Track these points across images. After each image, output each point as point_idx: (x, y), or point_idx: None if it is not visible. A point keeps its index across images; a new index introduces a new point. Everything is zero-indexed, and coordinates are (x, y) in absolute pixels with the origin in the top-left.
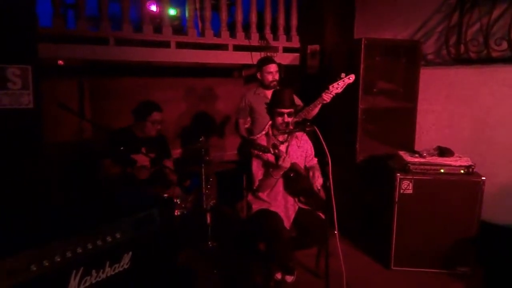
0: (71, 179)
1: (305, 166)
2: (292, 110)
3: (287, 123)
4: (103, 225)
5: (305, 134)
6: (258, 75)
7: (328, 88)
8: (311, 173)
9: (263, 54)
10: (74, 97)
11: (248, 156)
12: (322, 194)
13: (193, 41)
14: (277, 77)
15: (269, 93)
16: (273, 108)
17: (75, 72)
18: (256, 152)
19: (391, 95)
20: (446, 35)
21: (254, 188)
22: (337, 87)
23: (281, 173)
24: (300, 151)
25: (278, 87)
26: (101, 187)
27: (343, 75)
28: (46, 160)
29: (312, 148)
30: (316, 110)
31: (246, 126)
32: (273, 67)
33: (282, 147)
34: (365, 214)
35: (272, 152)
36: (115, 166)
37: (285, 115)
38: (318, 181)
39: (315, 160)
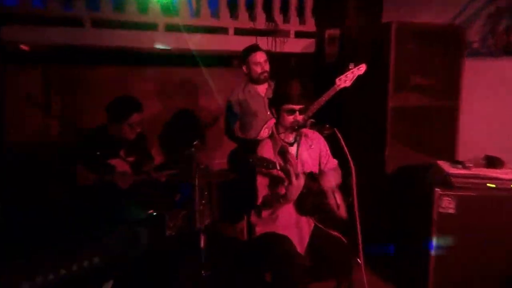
0: (37, 187)
1: (320, 171)
2: (303, 106)
3: (298, 123)
4: (79, 246)
5: (316, 131)
6: (244, 69)
7: (335, 83)
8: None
9: (270, 39)
10: (39, 89)
11: (243, 167)
12: (342, 212)
13: (186, 23)
14: (267, 67)
15: (261, 88)
16: (279, 104)
17: (42, 59)
18: (261, 169)
19: (427, 92)
20: (494, 20)
21: (258, 204)
22: (345, 80)
23: (294, 196)
24: (312, 152)
25: (270, 81)
26: (75, 199)
27: (351, 65)
28: (6, 160)
29: (327, 146)
30: (318, 107)
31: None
32: (260, 56)
33: (292, 150)
34: (396, 238)
35: (279, 168)
36: (89, 173)
37: (297, 113)
38: (327, 181)
39: (335, 161)
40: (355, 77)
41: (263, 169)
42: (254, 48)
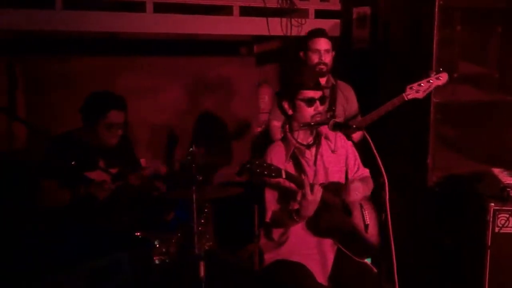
0: None
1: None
2: (322, 93)
3: (321, 116)
4: (44, 279)
5: (341, 132)
6: (301, 55)
7: (404, 91)
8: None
9: (284, 21)
10: (2, 86)
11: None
12: (372, 234)
13: (180, 1)
14: (326, 59)
15: None
16: (294, 93)
17: (3, 49)
18: (266, 179)
19: (480, 83)
20: None
21: (267, 221)
22: (417, 90)
23: (310, 211)
24: (336, 158)
25: (327, 76)
26: (40, 221)
27: (432, 73)
28: None
29: (355, 151)
30: (376, 117)
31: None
32: (322, 43)
33: (309, 154)
34: (440, 264)
35: (285, 176)
36: (60, 190)
37: (317, 102)
38: (353, 192)
39: (366, 170)
40: (431, 88)
41: (266, 178)
42: (319, 33)
